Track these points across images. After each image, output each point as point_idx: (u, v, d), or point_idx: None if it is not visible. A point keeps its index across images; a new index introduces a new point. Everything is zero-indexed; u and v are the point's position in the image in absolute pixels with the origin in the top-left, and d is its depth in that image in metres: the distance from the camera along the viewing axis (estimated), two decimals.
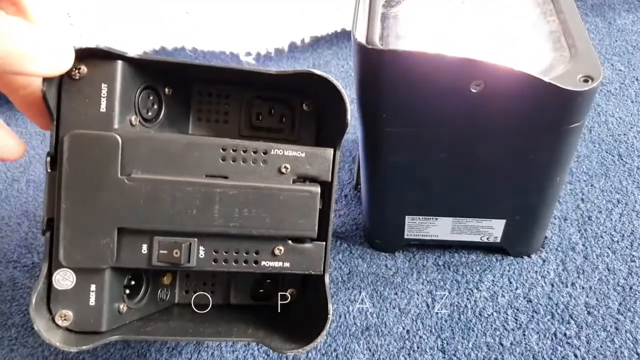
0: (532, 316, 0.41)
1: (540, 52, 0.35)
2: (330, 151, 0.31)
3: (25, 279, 0.47)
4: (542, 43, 0.35)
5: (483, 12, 0.38)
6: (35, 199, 0.55)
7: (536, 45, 0.35)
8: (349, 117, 0.30)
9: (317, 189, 0.31)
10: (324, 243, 0.32)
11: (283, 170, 0.31)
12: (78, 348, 0.29)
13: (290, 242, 0.32)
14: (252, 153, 0.31)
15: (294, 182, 0.31)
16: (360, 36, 0.33)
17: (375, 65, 0.33)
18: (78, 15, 0.62)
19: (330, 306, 0.31)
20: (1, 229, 0.51)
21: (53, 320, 0.30)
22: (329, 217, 0.32)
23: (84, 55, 0.28)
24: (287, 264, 0.32)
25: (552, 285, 0.43)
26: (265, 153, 0.31)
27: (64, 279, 0.30)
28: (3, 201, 0.55)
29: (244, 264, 0.31)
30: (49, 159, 0.29)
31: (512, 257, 0.45)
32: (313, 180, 0.32)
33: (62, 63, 0.27)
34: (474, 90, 0.32)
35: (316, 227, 0.31)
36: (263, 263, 0.32)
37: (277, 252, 0.32)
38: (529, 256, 0.45)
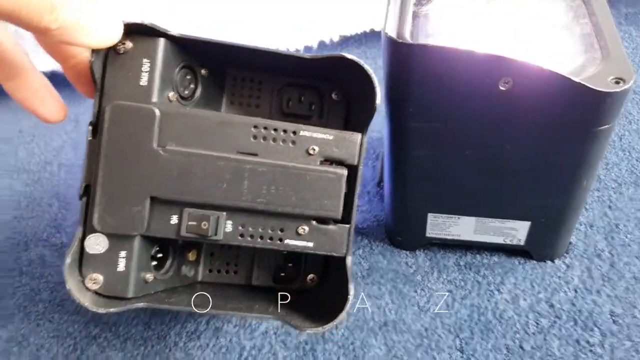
0: (554, 321, 0.40)
1: (571, 53, 0.34)
2: (358, 135, 0.32)
3: (53, 257, 0.48)
4: (574, 44, 0.35)
5: (514, 13, 0.38)
6: (65, 181, 0.56)
7: (567, 47, 0.35)
8: (378, 100, 0.31)
9: (344, 172, 0.32)
10: (348, 226, 0.32)
11: (311, 151, 0.32)
12: (106, 310, 0.30)
13: (314, 222, 0.32)
14: (282, 133, 0.31)
15: (321, 163, 0.32)
16: (391, 31, 0.34)
17: (404, 60, 0.33)
18: None
19: (351, 287, 0.31)
20: (33, 209, 0.53)
21: (83, 282, 0.31)
22: (354, 201, 0.32)
23: (130, 30, 0.29)
24: (310, 244, 0.32)
25: (576, 292, 0.42)
26: (294, 133, 0.31)
27: (96, 244, 0.31)
28: (36, 183, 0.56)
29: (268, 241, 0.32)
30: (90, 127, 0.30)
31: (535, 261, 0.44)
32: (340, 163, 0.32)
33: (112, 36, 0.28)
34: (502, 88, 0.32)
35: (341, 209, 0.32)
36: (287, 241, 0.32)
37: (301, 231, 0.32)
38: (552, 261, 0.44)
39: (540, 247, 0.43)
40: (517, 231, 0.42)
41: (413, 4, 0.39)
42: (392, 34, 0.33)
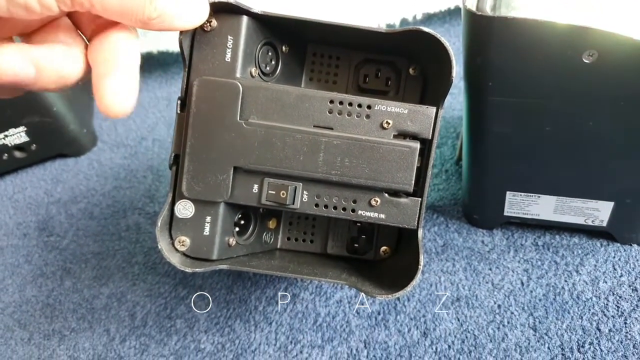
0: (637, 305, 0.39)
1: None
2: (432, 109, 0.32)
3: (147, 224, 0.52)
4: None
5: None
6: (159, 155, 0.60)
7: None
8: (454, 73, 0.31)
9: (417, 145, 0.32)
10: (420, 199, 0.33)
11: (385, 125, 0.32)
12: (192, 270, 0.33)
13: (386, 195, 0.33)
14: (357, 107, 0.32)
15: (394, 137, 0.33)
16: (471, 4, 0.33)
17: (484, 33, 0.33)
18: None
19: (421, 257, 0.32)
20: (130, 181, 0.58)
21: (173, 244, 0.34)
22: (427, 175, 0.33)
23: (216, 9, 0.31)
24: (382, 215, 0.33)
25: None
26: (369, 108, 0.32)
27: (184, 209, 0.34)
28: (133, 156, 0.61)
29: (342, 211, 0.33)
30: (179, 102, 0.33)
31: (618, 244, 0.43)
32: (414, 137, 0.33)
33: (201, 17, 0.30)
34: (586, 61, 0.31)
35: (412, 182, 0.32)
36: (360, 212, 0.33)
37: (373, 202, 0.33)
38: (638, 244, 0.42)
39: (624, 230, 0.42)
40: (599, 212, 0.41)
41: None
42: (472, 7, 0.33)
